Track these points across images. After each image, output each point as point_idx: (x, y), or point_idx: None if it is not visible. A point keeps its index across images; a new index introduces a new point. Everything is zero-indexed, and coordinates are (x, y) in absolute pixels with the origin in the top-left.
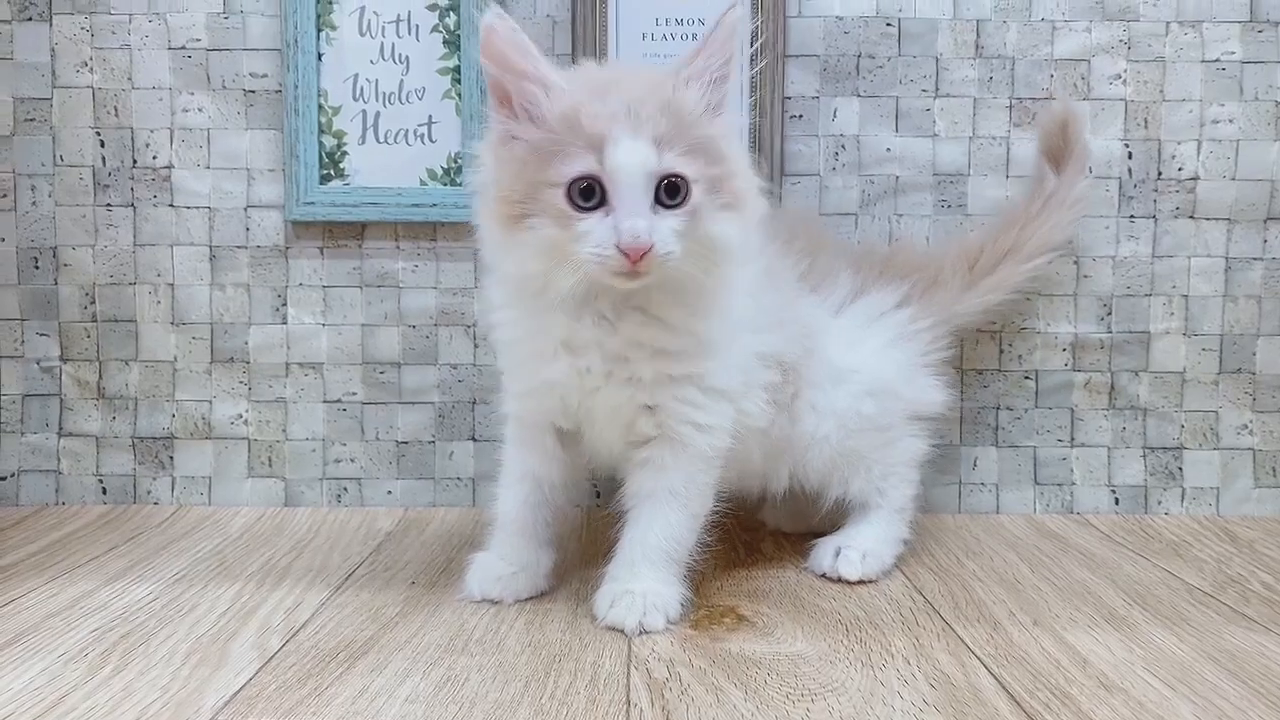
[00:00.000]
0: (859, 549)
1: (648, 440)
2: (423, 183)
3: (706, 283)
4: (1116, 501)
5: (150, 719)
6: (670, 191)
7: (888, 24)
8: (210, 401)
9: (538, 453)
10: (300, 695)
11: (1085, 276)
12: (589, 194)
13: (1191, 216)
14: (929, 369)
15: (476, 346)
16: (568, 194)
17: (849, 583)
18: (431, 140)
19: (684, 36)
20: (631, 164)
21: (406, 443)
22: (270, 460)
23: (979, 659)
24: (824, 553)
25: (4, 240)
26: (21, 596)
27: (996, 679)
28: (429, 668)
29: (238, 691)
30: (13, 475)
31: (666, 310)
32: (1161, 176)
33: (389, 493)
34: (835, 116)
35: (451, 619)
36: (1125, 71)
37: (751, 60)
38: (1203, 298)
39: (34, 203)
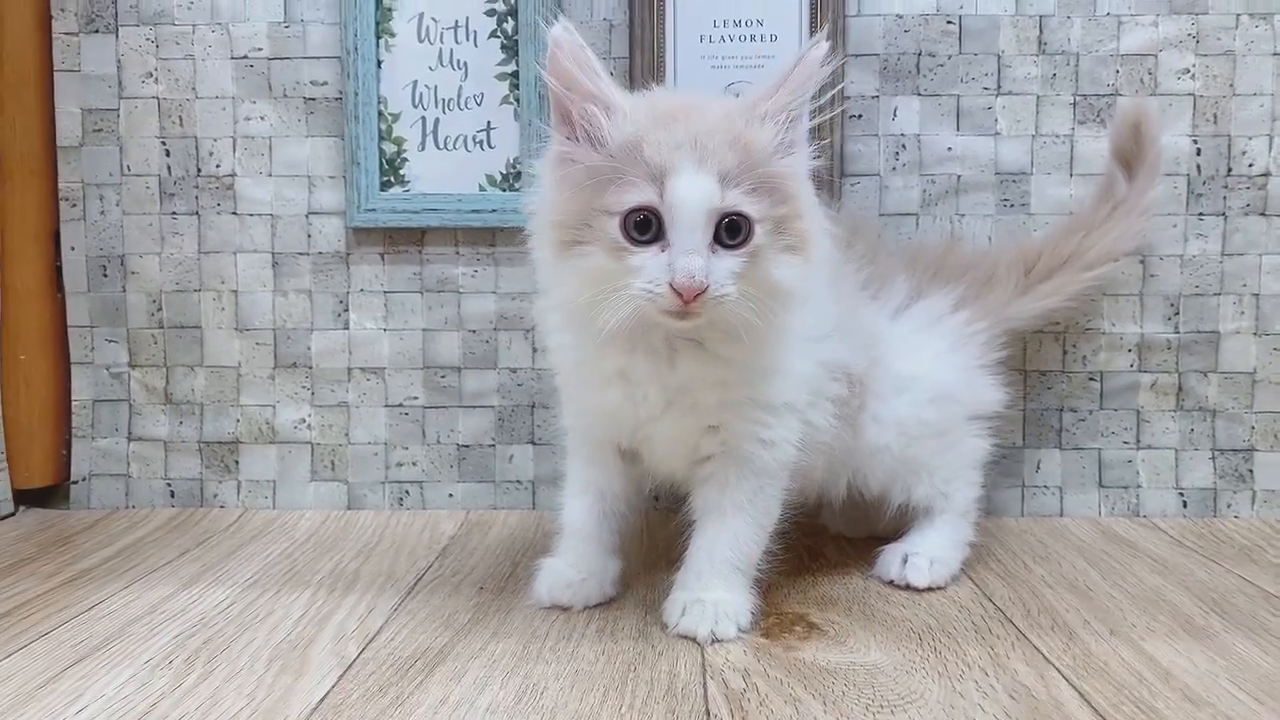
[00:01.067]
0: (926, 555)
1: (710, 457)
2: (482, 188)
3: (762, 327)
4: (1185, 505)
5: None
6: (731, 230)
7: (948, 21)
8: (274, 406)
9: (599, 467)
10: (383, 705)
11: (1152, 276)
12: (645, 227)
13: (1263, 213)
14: (985, 369)
15: (535, 351)
16: (623, 225)
17: (917, 589)
18: (490, 146)
19: (743, 38)
20: (693, 199)
21: (467, 446)
22: (333, 464)
23: (1058, 670)
24: (891, 559)
25: (74, 249)
26: (103, 601)
27: (1078, 691)
28: (506, 676)
29: (322, 699)
30: (84, 479)
31: (723, 347)
32: (1231, 173)
33: (450, 496)
34: (895, 116)
35: (523, 626)
36: (1194, 66)
37: (831, 101)
38: (1274, 296)
39: (102, 212)
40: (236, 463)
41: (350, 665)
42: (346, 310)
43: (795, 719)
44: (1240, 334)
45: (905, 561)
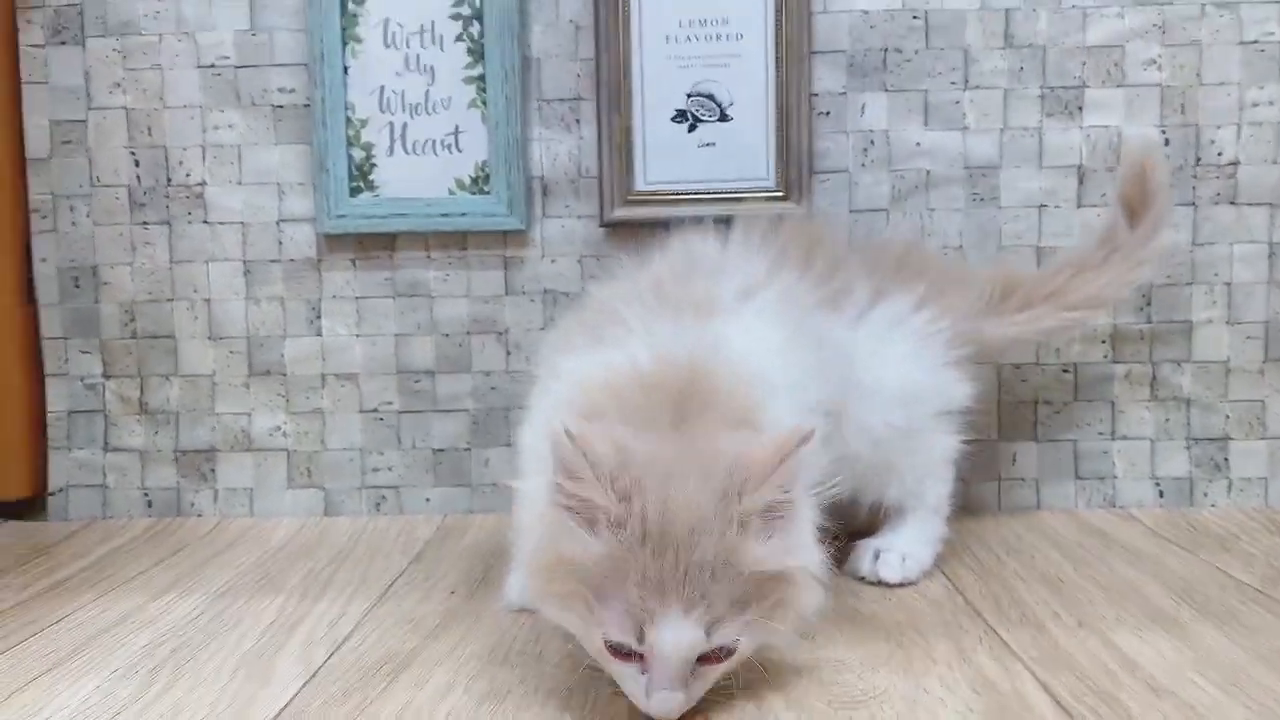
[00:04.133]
0: (899, 551)
1: None
2: (451, 192)
3: None
4: (1160, 494)
5: None
6: (715, 654)
7: (914, 16)
8: (249, 414)
9: None
10: (345, 711)
11: None
12: (625, 654)
13: (1232, 202)
14: (952, 365)
15: (509, 354)
16: (605, 645)
17: (889, 585)
18: (459, 149)
19: (708, 37)
20: (676, 652)
21: (443, 450)
22: (309, 471)
23: (1023, 663)
24: (863, 556)
25: (45, 260)
26: (74, 612)
27: (1042, 684)
28: (471, 681)
29: (284, 708)
30: (62, 490)
31: None
32: (1200, 162)
33: (427, 500)
34: (863, 112)
35: (492, 629)
36: (1160, 56)
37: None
38: (1246, 285)
39: (73, 223)
40: (213, 471)
41: (315, 672)
42: (319, 317)
43: (756, 716)
44: (1213, 323)
45: (877, 557)
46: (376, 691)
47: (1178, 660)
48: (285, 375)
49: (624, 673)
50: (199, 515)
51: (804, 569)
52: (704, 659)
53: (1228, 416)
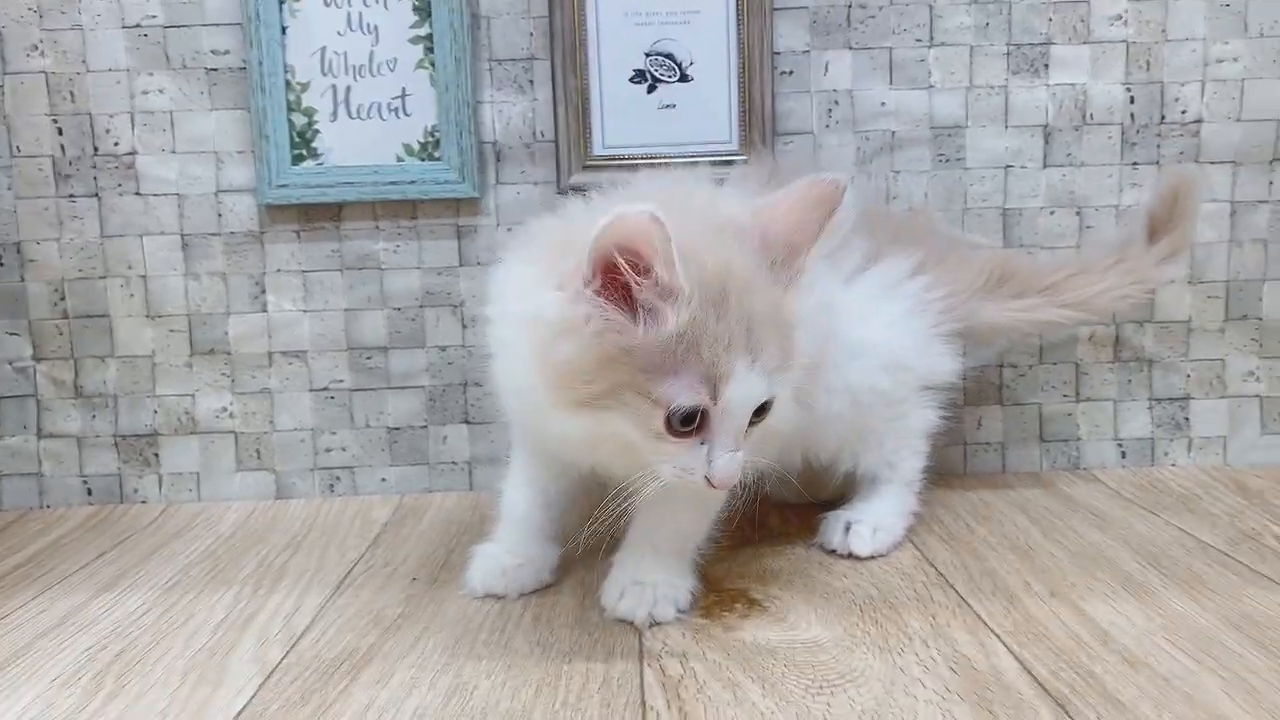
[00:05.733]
0: (869, 524)
1: None
2: (399, 159)
3: None
4: (1123, 455)
5: None
6: (762, 409)
7: None
8: (193, 395)
9: (543, 467)
10: (304, 714)
11: (1088, 227)
12: (690, 420)
13: (1196, 160)
14: (942, 337)
15: (465, 328)
16: (667, 419)
17: (860, 558)
18: (406, 114)
19: (662, 22)
20: (747, 403)
21: (398, 429)
22: (259, 452)
23: (998, 637)
24: (833, 528)
25: None
26: (11, 613)
27: (1018, 659)
28: (436, 675)
29: (239, 713)
30: None
31: None
32: (1165, 120)
33: (383, 480)
34: (827, 71)
35: (456, 618)
36: (1126, 12)
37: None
38: (1207, 244)
39: None
40: (156, 456)
41: (272, 672)
42: (264, 292)
43: (733, 704)
44: (1175, 283)
45: (848, 530)
46: (337, 691)
47: (1149, 628)
48: (230, 354)
49: (679, 452)
50: (143, 502)
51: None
52: (753, 418)
53: (1188, 376)
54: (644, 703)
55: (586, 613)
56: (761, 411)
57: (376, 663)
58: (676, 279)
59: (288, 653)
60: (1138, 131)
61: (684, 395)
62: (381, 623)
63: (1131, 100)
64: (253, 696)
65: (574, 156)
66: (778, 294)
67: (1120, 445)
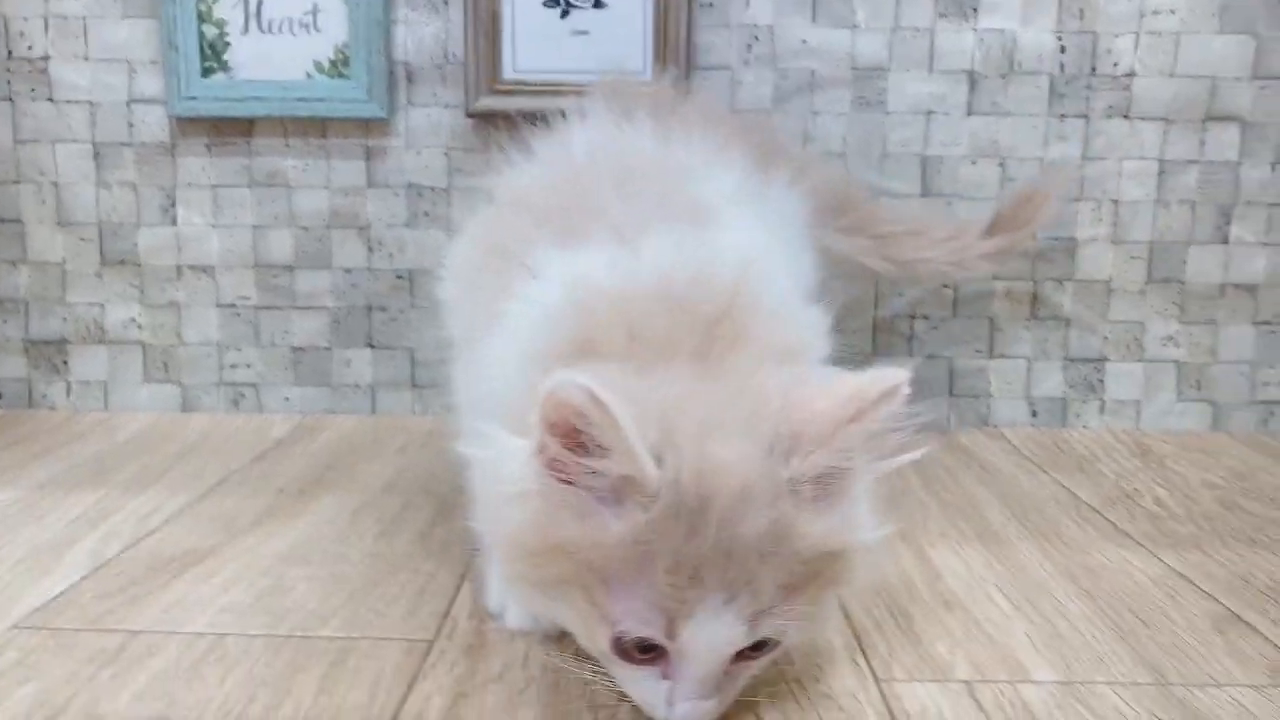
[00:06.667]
0: None
1: None
2: (309, 75)
3: None
4: (1034, 414)
5: None
6: (754, 648)
7: None
8: (102, 305)
9: None
10: (113, 604)
11: (1010, 179)
12: (646, 650)
13: (1126, 116)
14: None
15: (371, 251)
16: (615, 643)
17: None
18: (317, 29)
19: (584, 5)
20: (714, 647)
21: (302, 349)
22: (166, 365)
23: None
24: None
25: None
26: None
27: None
28: (258, 577)
29: (52, 599)
30: None
31: None
32: (1095, 72)
33: (286, 399)
34: (748, 5)
35: (306, 527)
36: None
37: None
38: (1133, 203)
39: None
40: (65, 363)
41: (102, 565)
42: (174, 205)
43: None
44: (1098, 241)
45: None
46: (157, 585)
47: (983, 575)
48: (140, 265)
49: (636, 678)
50: (51, 408)
51: (864, 545)
52: (739, 655)
53: (1106, 337)
54: (448, 613)
55: (434, 528)
56: (753, 654)
57: (209, 562)
58: (639, 467)
59: (126, 550)
60: (1067, 83)
61: (632, 621)
62: (231, 528)
63: (1062, 50)
64: (73, 585)
65: (483, 80)
66: (790, 513)
67: (1031, 404)
